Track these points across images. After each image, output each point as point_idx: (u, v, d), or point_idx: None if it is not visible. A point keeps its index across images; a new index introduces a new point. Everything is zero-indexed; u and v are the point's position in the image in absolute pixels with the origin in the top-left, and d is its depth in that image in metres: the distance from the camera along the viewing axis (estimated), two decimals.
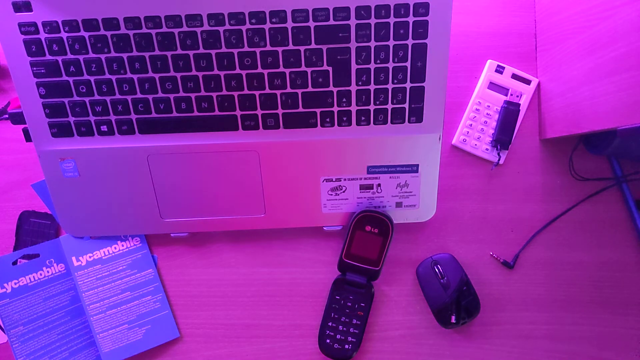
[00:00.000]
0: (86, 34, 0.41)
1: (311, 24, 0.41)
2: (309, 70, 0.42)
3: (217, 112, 0.43)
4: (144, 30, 0.41)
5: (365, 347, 0.49)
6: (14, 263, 0.47)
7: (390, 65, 0.42)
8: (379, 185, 0.46)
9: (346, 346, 0.46)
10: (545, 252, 0.49)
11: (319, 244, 0.49)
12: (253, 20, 0.40)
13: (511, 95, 0.48)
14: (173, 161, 0.45)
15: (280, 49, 0.41)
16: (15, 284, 0.47)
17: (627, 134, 0.43)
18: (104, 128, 0.44)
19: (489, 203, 0.49)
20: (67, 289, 0.48)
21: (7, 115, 0.47)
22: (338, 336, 0.46)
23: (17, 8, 0.40)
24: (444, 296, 0.47)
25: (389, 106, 0.43)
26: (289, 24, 0.41)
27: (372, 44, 0.41)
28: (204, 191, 0.46)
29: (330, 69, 0.42)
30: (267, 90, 0.43)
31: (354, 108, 0.43)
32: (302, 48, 0.41)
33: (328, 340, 0.46)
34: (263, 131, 0.44)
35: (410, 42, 0.41)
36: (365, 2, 0.40)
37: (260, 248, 0.49)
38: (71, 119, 0.43)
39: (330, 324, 0.47)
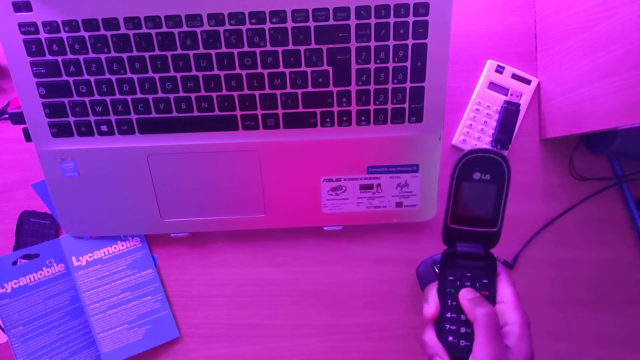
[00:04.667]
0: (86, 34, 0.41)
1: (311, 24, 0.41)
2: (309, 70, 0.42)
3: (217, 112, 0.43)
4: (144, 30, 0.41)
5: (366, 346, 0.49)
6: (14, 263, 0.47)
7: (390, 65, 0.42)
8: (379, 185, 0.46)
9: None
10: (546, 252, 0.49)
11: (319, 244, 0.49)
12: (253, 20, 0.40)
13: (511, 95, 0.48)
14: (173, 161, 0.45)
15: (280, 49, 0.41)
16: (15, 284, 0.47)
17: (628, 134, 0.43)
18: (104, 128, 0.44)
19: None
20: (67, 289, 0.48)
21: (7, 115, 0.47)
22: (462, 329, 0.34)
23: (17, 8, 0.40)
24: None
25: (389, 106, 0.43)
26: (289, 24, 0.41)
27: (372, 44, 0.41)
28: (204, 191, 0.46)
29: (330, 69, 0.42)
30: (267, 90, 0.43)
31: (354, 108, 0.43)
32: (302, 48, 0.41)
33: (451, 338, 0.34)
34: (263, 131, 0.44)
35: (410, 42, 0.41)
36: (365, 2, 0.40)
37: (260, 248, 0.49)
38: (71, 119, 0.43)
39: (448, 315, 0.34)
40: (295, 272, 0.49)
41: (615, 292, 0.49)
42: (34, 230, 0.48)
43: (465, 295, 0.34)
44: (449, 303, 0.35)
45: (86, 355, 0.48)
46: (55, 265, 0.48)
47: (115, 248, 0.48)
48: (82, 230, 0.47)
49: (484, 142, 0.48)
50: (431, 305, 0.34)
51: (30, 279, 0.47)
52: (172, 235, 0.48)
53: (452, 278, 0.35)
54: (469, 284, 0.35)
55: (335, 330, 0.50)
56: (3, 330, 0.47)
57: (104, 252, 0.48)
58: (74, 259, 0.48)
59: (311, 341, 0.49)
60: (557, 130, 0.45)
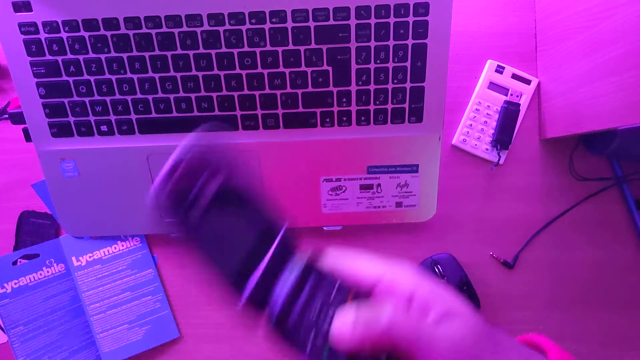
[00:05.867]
0: (86, 34, 0.41)
1: (311, 24, 0.41)
2: (309, 70, 0.42)
3: (217, 112, 0.43)
4: (144, 30, 0.41)
5: None
6: (14, 263, 0.47)
7: (390, 65, 0.42)
8: (379, 185, 0.46)
9: None
10: (546, 252, 0.49)
11: (319, 244, 0.49)
12: (253, 20, 0.40)
13: (511, 95, 0.48)
14: None
15: (280, 49, 0.41)
16: (15, 284, 0.47)
17: (628, 134, 0.43)
18: (104, 128, 0.44)
19: (489, 203, 0.49)
20: (67, 289, 0.48)
21: (7, 115, 0.46)
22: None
23: (17, 8, 0.40)
24: None
25: (389, 106, 0.43)
26: (289, 24, 0.41)
27: (372, 44, 0.41)
28: None
29: (330, 69, 0.42)
30: (267, 90, 0.43)
31: (354, 108, 0.43)
32: (302, 48, 0.41)
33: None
34: (263, 131, 0.44)
35: (410, 42, 0.41)
36: (365, 2, 0.40)
37: None
38: (71, 119, 0.43)
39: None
40: None
41: (616, 293, 0.49)
42: (34, 230, 0.48)
43: (344, 323, 0.22)
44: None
45: (86, 355, 0.48)
46: (55, 265, 0.48)
47: (115, 248, 0.48)
48: (82, 230, 0.47)
49: (484, 142, 0.48)
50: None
51: (30, 279, 0.47)
52: (172, 235, 0.48)
53: (309, 335, 0.22)
54: (330, 313, 0.22)
55: None
56: (3, 330, 0.47)
57: (104, 252, 0.48)
58: (74, 259, 0.48)
59: None
60: (557, 130, 0.45)
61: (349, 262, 0.24)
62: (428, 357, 0.21)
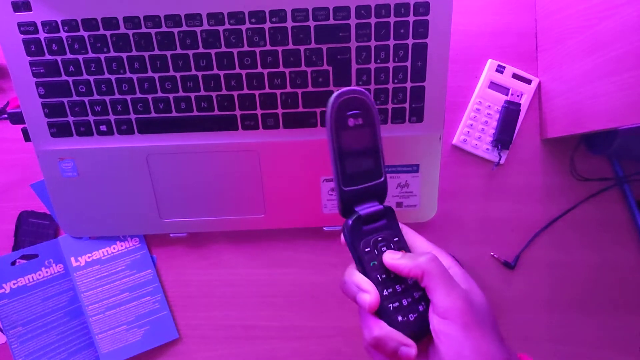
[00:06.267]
0: (85, 34, 0.41)
1: (311, 23, 0.40)
2: (309, 70, 0.42)
3: (216, 112, 0.43)
4: (144, 29, 0.41)
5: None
6: (13, 263, 0.47)
7: (391, 65, 0.42)
8: None
9: (423, 304, 0.30)
10: (546, 253, 0.49)
11: (319, 244, 0.49)
12: (253, 20, 0.40)
13: (512, 94, 0.48)
14: (172, 161, 0.45)
15: (280, 49, 0.41)
16: (14, 284, 0.47)
17: (629, 133, 0.43)
18: (103, 128, 0.43)
19: (490, 203, 0.49)
20: (66, 289, 0.48)
21: (6, 115, 0.46)
22: (404, 301, 0.29)
23: (17, 8, 0.40)
24: None
25: (389, 106, 0.43)
26: (289, 24, 0.40)
27: (372, 43, 0.41)
28: (204, 191, 0.46)
29: (330, 68, 0.42)
30: (267, 90, 0.42)
31: None
32: (302, 48, 0.41)
33: (400, 317, 0.29)
34: (263, 131, 0.44)
35: (410, 41, 0.41)
36: (365, 2, 0.40)
37: (260, 249, 0.49)
38: (70, 118, 0.43)
39: (385, 292, 0.29)
40: (295, 273, 0.49)
41: (616, 293, 0.49)
42: (33, 230, 0.48)
43: (393, 257, 0.29)
44: (379, 278, 0.30)
45: (85, 356, 0.47)
46: (54, 265, 0.48)
47: (114, 248, 0.48)
48: (81, 230, 0.47)
49: (485, 141, 0.48)
50: (370, 289, 0.28)
51: (29, 280, 0.47)
52: (171, 235, 0.48)
53: (368, 250, 0.30)
54: (384, 248, 0.31)
55: (335, 332, 0.49)
56: (2, 331, 0.47)
57: (102, 252, 0.48)
58: (72, 259, 0.48)
59: (310, 342, 0.49)
60: (558, 130, 0.45)
61: (412, 233, 0.32)
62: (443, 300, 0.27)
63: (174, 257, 0.49)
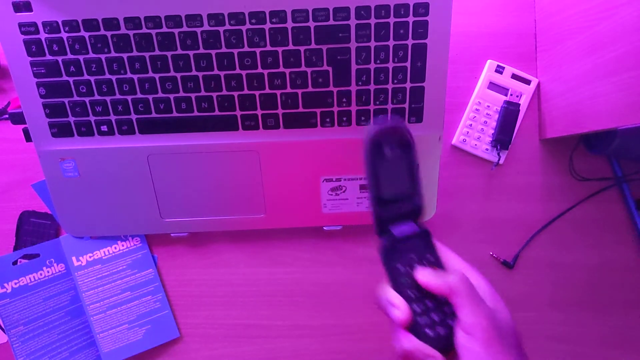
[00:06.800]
0: (86, 34, 0.41)
1: (311, 24, 0.41)
2: (309, 70, 0.42)
3: (217, 112, 0.43)
4: (144, 30, 0.41)
5: (367, 346, 0.49)
6: (14, 263, 0.47)
7: (390, 65, 0.42)
8: None
9: (452, 320, 0.31)
10: (546, 252, 0.49)
11: (319, 244, 0.49)
12: (253, 21, 0.40)
13: (511, 95, 0.48)
14: (173, 161, 0.45)
15: (280, 49, 0.41)
16: (15, 284, 0.47)
17: (628, 134, 0.43)
18: (104, 128, 0.44)
19: (489, 203, 0.49)
20: (67, 288, 0.48)
21: (7, 115, 0.47)
22: (434, 317, 0.31)
23: (17, 8, 0.40)
24: None
25: (389, 106, 0.43)
26: (289, 24, 0.41)
27: (372, 44, 0.41)
28: (204, 191, 0.46)
29: (330, 69, 0.42)
30: (267, 90, 0.43)
31: (354, 108, 0.43)
32: (302, 48, 0.41)
33: (429, 332, 0.30)
34: (263, 131, 0.44)
35: (410, 42, 0.41)
36: (365, 2, 0.40)
37: (260, 248, 0.49)
38: (71, 119, 0.43)
39: (416, 308, 0.31)
40: (295, 272, 0.49)
41: (616, 293, 0.49)
42: (34, 230, 0.48)
43: (424, 275, 0.30)
44: (411, 295, 0.31)
45: (86, 355, 0.48)
46: (55, 265, 0.48)
47: (115, 248, 0.48)
48: (82, 230, 0.47)
49: (484, 142, 0.48)
50: (401, 306, 0.30)
51: (30, 279, 0.47)
52: (172, 235, 0.48)
53: (400, 267, 0.32)
54: (417, 265, 0.32)
55: (335, 330, 0.50)
56: (3, 330, 0.47)
57: (104, 252, 0.48)
58: (74, 259, 0.48)
59: (311, 341, 0.49)
60: (557, 130, 0.45)
61: (448, 252, 0.33)
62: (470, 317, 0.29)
63: (175, 257, 0.49)
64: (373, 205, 0.33)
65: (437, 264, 0.32)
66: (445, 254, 0.33)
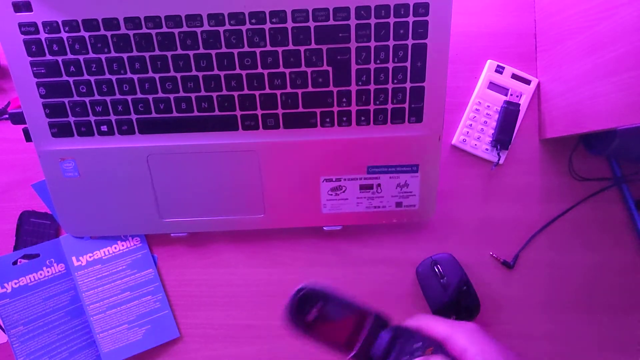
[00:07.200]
0: (86, 34, 0.41)
1: (311, 24, 0.41)
2: (309, 70, 0.42)
3: (217, 112, 0.43)
4: (144, 30, 0.41)
5: None
6: (14, 263, 0.47)
7: (390, 65, 0.42)
8: (379, 185, 0.46)
9: None
10: (545, 252, 0.49)
11: (318, 244, 0.49)
12: (253, 21, 0.40)
13: (511, 95, 0.48)
14: (173, 161, 0.45)
15: (280, 49, 0.41)
16: (15, 284, 0.47)
17: (627, 134, 0.43)
18: (104, 128, 0.44)
19: (489, 203, 0.49)
20: (67, 289, 0.48)
21: (7, 115, 0.47)
22: None
23: (17, 8, 0.40)
24: (444, 296, 0.47)
25: (389, 106, 0.43)
26: (289, 24, 0.41)
27: (372, 44, 0.41)
28: (204, 191, 0.46)
29: (330, 69, 0.42)
30: (267, 90, 0.43)
31: (353, 108, 0.43)
32: (302, 48, 0.41)
33: None
34: (263, 131, 0.44)
35: (410, 42, 0.41)
36: (365, 2, 0.40)
37: (260, 248, 0.49)
38: (71, 119, 0.43)
39: None
40: (295, 272, 0.49)
41: (615, 294, 0.49)
42: (34, 230, 0.48)
43: None
44: None
45: (86, 355, 0.48)
46: (55, 265, 0.48)
47: (115, 248, 0.48)
48: (82, 230, 0.47)
49: (484, 142, 0.48)
50: None
51: (30, 279, 0.47)
52: (172, 235, 0.48)
53: None
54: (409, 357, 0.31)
55: None
56: (3, 330, 0.47)
57: (104, 252, 0.48)
58: (74, 258, 0.48)
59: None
60: (557, 131, 0.45)
61: (425, 322, 0.33)
62: None
63: (174, 257, 0.49)
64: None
65: (425, 346, 0.31)
66: (426, 326, 0.32)
